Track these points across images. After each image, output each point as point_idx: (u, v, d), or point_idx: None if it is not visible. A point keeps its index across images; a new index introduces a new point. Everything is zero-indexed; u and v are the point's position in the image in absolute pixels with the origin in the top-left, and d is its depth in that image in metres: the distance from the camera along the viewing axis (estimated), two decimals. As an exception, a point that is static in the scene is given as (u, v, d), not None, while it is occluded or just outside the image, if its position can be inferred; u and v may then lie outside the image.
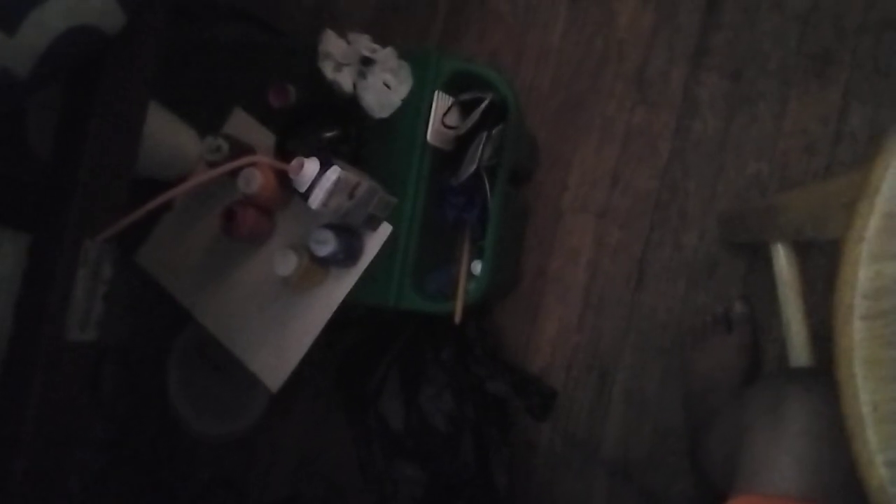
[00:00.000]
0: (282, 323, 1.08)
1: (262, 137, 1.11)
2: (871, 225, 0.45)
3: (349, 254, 1.05)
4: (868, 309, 0.45)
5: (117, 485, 1.29)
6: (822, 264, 1.12)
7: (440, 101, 1.06)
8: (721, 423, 0.91)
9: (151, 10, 0.79)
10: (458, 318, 1.05)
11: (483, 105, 1.08)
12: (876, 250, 0.45)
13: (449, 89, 1.07)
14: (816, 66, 1.19)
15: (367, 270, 1.05)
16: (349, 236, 1.04)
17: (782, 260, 0.96)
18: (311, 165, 0.96)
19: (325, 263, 1.05)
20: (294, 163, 0.97)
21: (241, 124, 1.14)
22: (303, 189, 0.96)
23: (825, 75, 1.18)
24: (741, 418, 0.73)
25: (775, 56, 1.21)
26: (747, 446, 0.69)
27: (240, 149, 1.07)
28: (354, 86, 1.06)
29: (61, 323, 0.76)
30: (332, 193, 0.95)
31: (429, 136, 1.05)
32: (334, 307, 1.06)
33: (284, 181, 1.00)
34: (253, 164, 1.01)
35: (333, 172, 0.95)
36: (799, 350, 0.95)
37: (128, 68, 0.81)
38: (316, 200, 0.95)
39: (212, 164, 1.04)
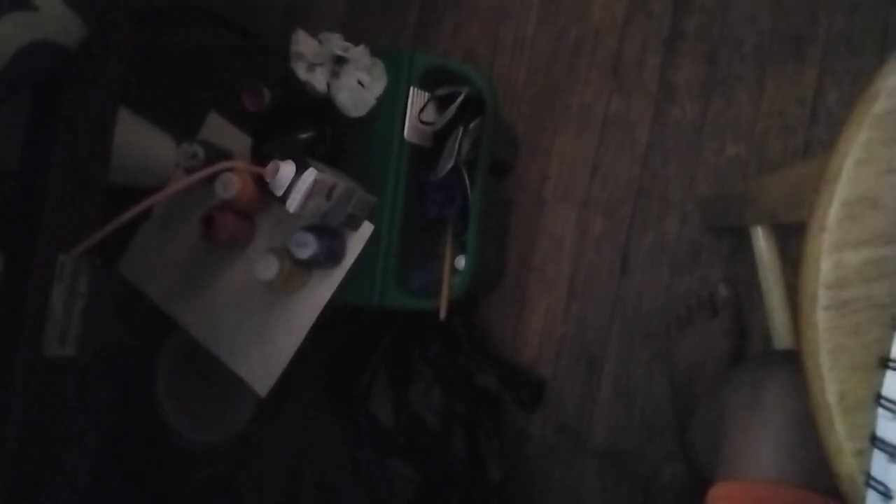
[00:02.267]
0: (267, 327, 1.08)
1: (238, 141, 1.11)
2: (832, 213, 0.45)
3: (331, 255, 1.05)
4: (831, 299, 0.45)
5: (108, 493, 1.30)
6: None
7: (416, 98, 1.06)
8: (703, 409, 0.91)
9: (115, 21, 0.78)
10: (442, 315, 1.05)
11: (459, 99, 1.07)
12: (837, 239, 0.45)
13: (424, 85, 1.07)
14: (791, 47, 1.19)
15: (350, 270, 1.05)
16: (330, 237, 1.04)
17: (762, 243, 0.96)
18: (287, 168, 0.96)
19: (307, 266, 1.05)
20: (269, 166, 0.96)
21: (217, 128, 1.14)
22: (280, 192, 0.96)
23: (800, 56, 1.18)
24: (722, 404, 0.73)
25: (750, 38, 1.21)
26: (727, 432, 0.70)
27: (216, 154, 1.07)
28: (328, 86, 1.06)
29: (38, 339, 0.76)
30: (309, 195, 0.95)
31: (406, 133, 1.05)
32: (319, 309, 1.06)
33: (263, 185, 0.99)
34: (229, 170, 1.00)
35: (310, 175, 0.94)
36: (781, 333, 0.96)
37: (94, 79, 0.80)
38: (293, 203, 0.95)
39: (189, 171, 1.03)
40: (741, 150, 1.20)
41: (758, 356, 1.02)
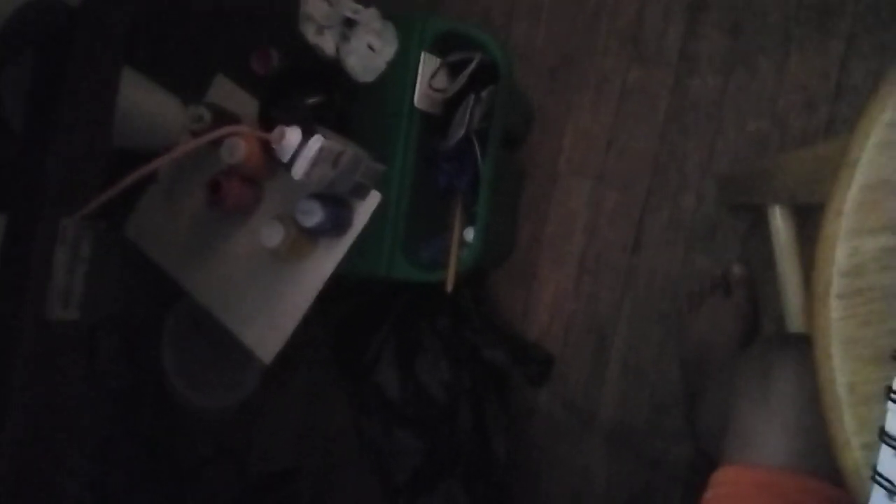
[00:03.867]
0: (273, 295, 1.07)
1: (245, 105, 1.09)
2: (850, 198, 0.43)
3: (337, 223, 1.03)
4: (845, 287, 0.43)
5: (118, 457, 1.30)
6: (823, 225, 1.09)
7: (427, 64, 1.03)
8: (713, 390, 0.90)
9: (117, -22, 0.77)
10: (449, 287, 1.03)
11: (471, 66, 1.05)
12: (854, 225, 0.43)
13: (436, 50, 1.04)
14: (817, 18, 1.14)
15: (357, 240, 1.04)
16: (337, 206, 1.03)
17: (779, 223, 0.93)
18: (293, 134, 0.94)
19: (313, 234, 1.04)
20: (275, 132, 0.95)
21: (225, 91, 1.12)
22: (285, 159, 0.95)
23: (826, 28, 1.14)
24: (731, 386, 0.72)
25: (775, 9, 1.17)
26: (735, 415, 0.68)
27: (223, 117, 1.05)
28: (338, 49, 1.03)
29: (41, 302, 0.75)
30: (315, 163, 0.93)
31: (416, 100, 1.03)
32: (325, 278, 1.05)
33: (270, 150, 0.98)
34: (234, 134, 0.99)
35: (316, 141, 0.93)
36: (795, 315, 0.93)
37: (96, 39, 0.78)
38: (299, 170, 0.93)
39: (195, 134, 1.02)
40: (762, 126, 1.17)
41: (769, 338, 1.00)
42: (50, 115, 0.76)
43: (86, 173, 0.81)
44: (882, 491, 0.40)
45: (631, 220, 1.22)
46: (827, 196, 0.45)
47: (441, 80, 1.05)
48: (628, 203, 1.22)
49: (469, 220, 1.11)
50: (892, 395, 0.40)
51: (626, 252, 1.22)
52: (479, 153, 1.06)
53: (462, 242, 1.09)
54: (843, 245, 0.43)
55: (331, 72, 1.05)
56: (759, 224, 1.12)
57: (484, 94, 1.05)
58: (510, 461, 1.18)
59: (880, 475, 0.41)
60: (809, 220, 0.98)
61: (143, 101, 1.06)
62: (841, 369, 0.42)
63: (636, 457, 1.19)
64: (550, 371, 1.23)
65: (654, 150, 1.22)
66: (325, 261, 1.05)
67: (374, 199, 1.03)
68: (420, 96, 1.03)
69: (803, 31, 1.15)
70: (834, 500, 0.57)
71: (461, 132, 1.05)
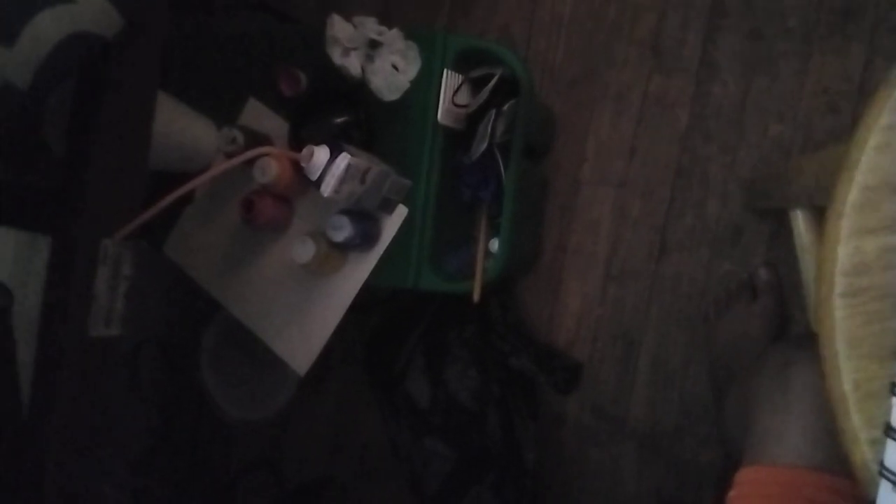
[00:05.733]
0: (305, 308, 1.10)
1: (276, 126, 1.13)
2: (850, 199, 0.44)
3: (366, 238, 1.06)
4: (848, 286, 0.44)
5: (159, 468, 1.35)
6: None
7: (450, 80, 1.06)
8: (736, 391, 0.90)
9: (151, 11, 0.81)
10: (476, 297, 1.05)
11: (493, 81, 1.07)
12: (855, 225, 0.44)
13: (459, 67, 1.06)
14: (838, 21, 1.15)
15: (385, 253, 1.06)
16: (365, 221, 1.05)
17: (801, 226, 0.94)
18: (321, 153, 0.97)
19: (343, 248, 1.07)
20: (304, 151, 0.98)
21: (257, 114, 1.16)
22: (315, 177, 0.98)
23: (847, 31, 1.14)
24: (752, 387, 0.73)
25: (795, 13, 1.17)
26: (756, 415, 0.69)
27: (255, 139, 1.09)
28: (363, 70, 1.07)
29: (84, 320, 0.79)
30: (343, 180, 0.96)
31: (440, 116, 1.05)
32: (355, 291, 1.08)
33: (300, 169, 1.01)
34: (265, 155, 1.02)
35: (343, 159, 0.96)
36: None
37: (132, 68, 0.82)
38: (327, 188, 0.96)
39: (229, 156, 1.06)
40: (785, 130, 1.17)
41: (790, 338, 1.00)
42: (89, 141, 0.80)
43: (125, 196, 0.85)
44: (889, 485, 0.41)
45: (655, 227, 1.23)
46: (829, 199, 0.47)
47: (464, 96, 1.08)
48: (652, 210, 1.23)
49: (494, 231, 1.13)
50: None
51: (651, 258, 1.23)
52: (502, 166, 1.08)
53: (488, 253, 1.11)
54: (845, 245, 0.44)
55: (357, 92, 1.08)
56: (784, 228, 1.13)
57: (505, 108, 1.07)
58: (540, 468, 1.19)
59: (887, 470, 0.42)
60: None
61: (178, 125, 1.10)
62: (846, 367, 0.44)
63: (666, 462, 1.19)
64: (579, 378, 1.24)
65: (676, 157, 1.23)
66: (355, 274, 1.08)
67: (400, 213, 1.06)
68: (443, 112, 1.05)
69: (824, 35, 1.15)
70: (854, 497, 0.58)
71: (484, 146, 1.07)
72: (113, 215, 0.83)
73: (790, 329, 1.12)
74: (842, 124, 1.14)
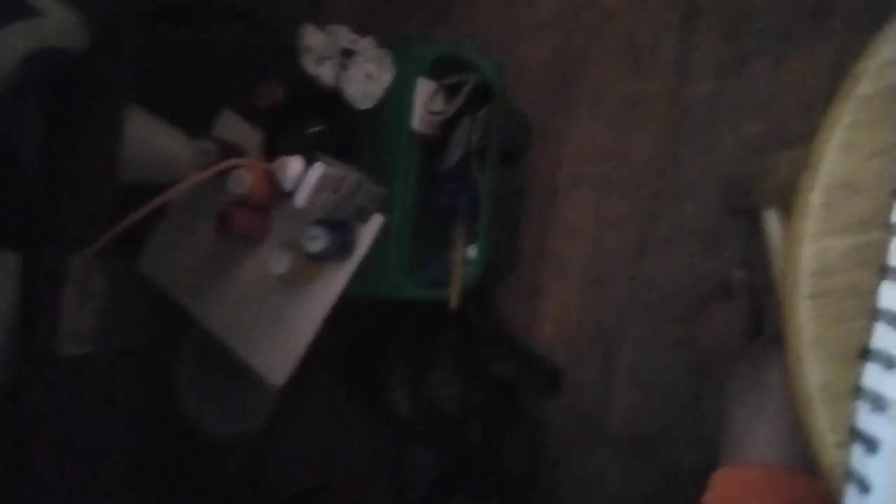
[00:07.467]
0: (282, 319, 1.09)
1: (251, 137, 1.12)
2: (812, 200, 0.44)
3: (342, 247, 1.06)
4: (814, 287, 0.44)
5: (148, 485, 1.33)
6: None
7: (423, 88, 1.05)
8: (717, 392, 0.90)
9: (119, 25, 0.80)
10: (454, 304, 1.05)
11: (466, 88, 1.07)
12: (819, 226, 0.44)
13: (433, 74, 1.06)
14: (811, 20, 1.15)
15: (363, 261, 1.06)
16: (341, 230, 1.05)
17: (773, 226, 0.94)
18: (295, 164, 0.97)
19: (318, 259, 1.06)
20: (277, 162, 0.97)
21: (231, 125, 1.15)
22: (289, 188, 0.97)
23: (821, 30, 1.15)
24: (727, 387, 0.72)
25: (768, 12, 1.18)
26: (729, 415, 0.69)
27: (229, 150, 1.08)
28: (337, 79, 1.06)
29: (52, 339, 0.78)
30: (317, 190, 0.96)
31: (414, 124, 1.05)
32: (332, 301, 1.07)
33: (275, 180, 1.00)
34: (239, 166, 1.01)
35: (317, 169, 0.95)
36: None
37: (100, 82, 0.82)
38: (302, 198, 0.96)
39: (202, 168, 1.05)
40: (760, 129, 1.18)
41: (765, 338, 1.00)
42: (58, 156, 0.79)
43: (94, 211, 0.84)
44: (855, 488, 0.41)
45: (633, 229, 1.23)
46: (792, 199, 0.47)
47: (438, 103, 1.08)
48: (630, 212, 1.23)
49: (471, 238, 1.12)
50: (861, 393, 0.41)
51: (629, 260, 1.23)
52: (478, 172, 1.08)
53: (465, 259, 1.10)
54: (810, 246, 0.44)
55: (331, 101, 1.07)
56: (758, 228, 1.13)
57: (480, 114, 1.07)
58: (523, 473, 1.18)
59: (853, 472, 0.42)
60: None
61: (149, 137, 1.09)
62: (812, 369, 0.43)
63: (650, 464, 1.19)
64: (560, 383, 1.23)
65: (653, 159, 1.23)
66: (332, 284, 1.07)
67: (376, 221, 1.05)
68: (418, 120, 1.05)
69: (797, 34, 1.16)
70: (826, 497, 0.58)
71: (460, 152, 1.07)
72: (82, 231, 0.82)
73: (766, 329, 1.12)
74: (817, 122, 1.14)
